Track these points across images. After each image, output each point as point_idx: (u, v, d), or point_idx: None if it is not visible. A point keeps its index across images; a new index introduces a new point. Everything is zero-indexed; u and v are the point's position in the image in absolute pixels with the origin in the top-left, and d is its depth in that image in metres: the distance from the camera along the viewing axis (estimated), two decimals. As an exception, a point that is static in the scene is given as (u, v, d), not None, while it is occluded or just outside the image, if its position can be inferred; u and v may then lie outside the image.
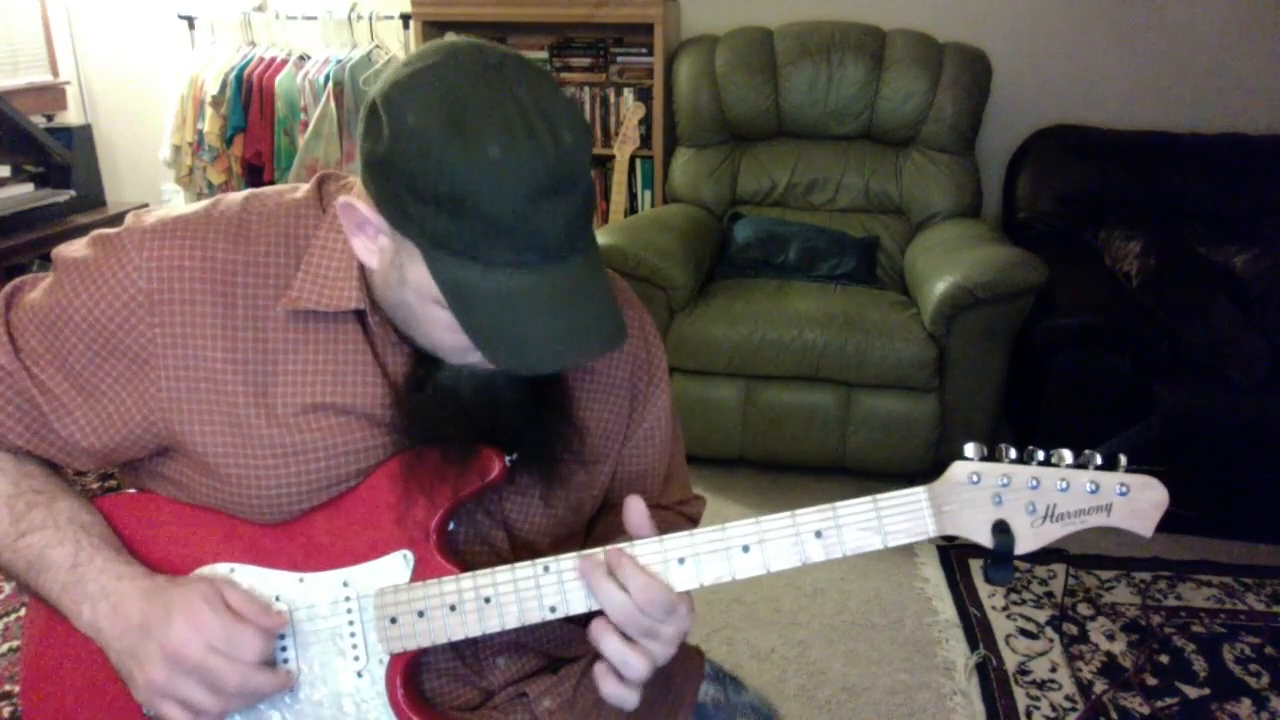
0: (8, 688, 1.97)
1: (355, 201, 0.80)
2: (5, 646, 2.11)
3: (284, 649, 0.88)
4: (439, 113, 0.72)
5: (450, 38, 0.79)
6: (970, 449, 0.81)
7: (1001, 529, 0.80)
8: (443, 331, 0.80)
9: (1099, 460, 0.79)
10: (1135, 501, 0.79)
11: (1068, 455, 0.80)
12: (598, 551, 0.83)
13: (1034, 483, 0.80)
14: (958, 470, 0.81)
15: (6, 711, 1.91)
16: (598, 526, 1.04)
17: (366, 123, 0.77)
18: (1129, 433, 0.84)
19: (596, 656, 1.01)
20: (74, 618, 0.84)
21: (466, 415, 0.85)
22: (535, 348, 0.75)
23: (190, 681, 0.80)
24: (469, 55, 0.75)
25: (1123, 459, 0.80)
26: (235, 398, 0.85)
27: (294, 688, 0.88)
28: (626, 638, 0.80)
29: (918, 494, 0.82)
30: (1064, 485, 0.79)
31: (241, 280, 0.86)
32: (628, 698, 0.81)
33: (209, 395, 0.85)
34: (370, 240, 0.81)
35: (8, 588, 2.27)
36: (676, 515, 1.08)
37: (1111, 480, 0.79)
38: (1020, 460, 0.80)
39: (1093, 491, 0.79)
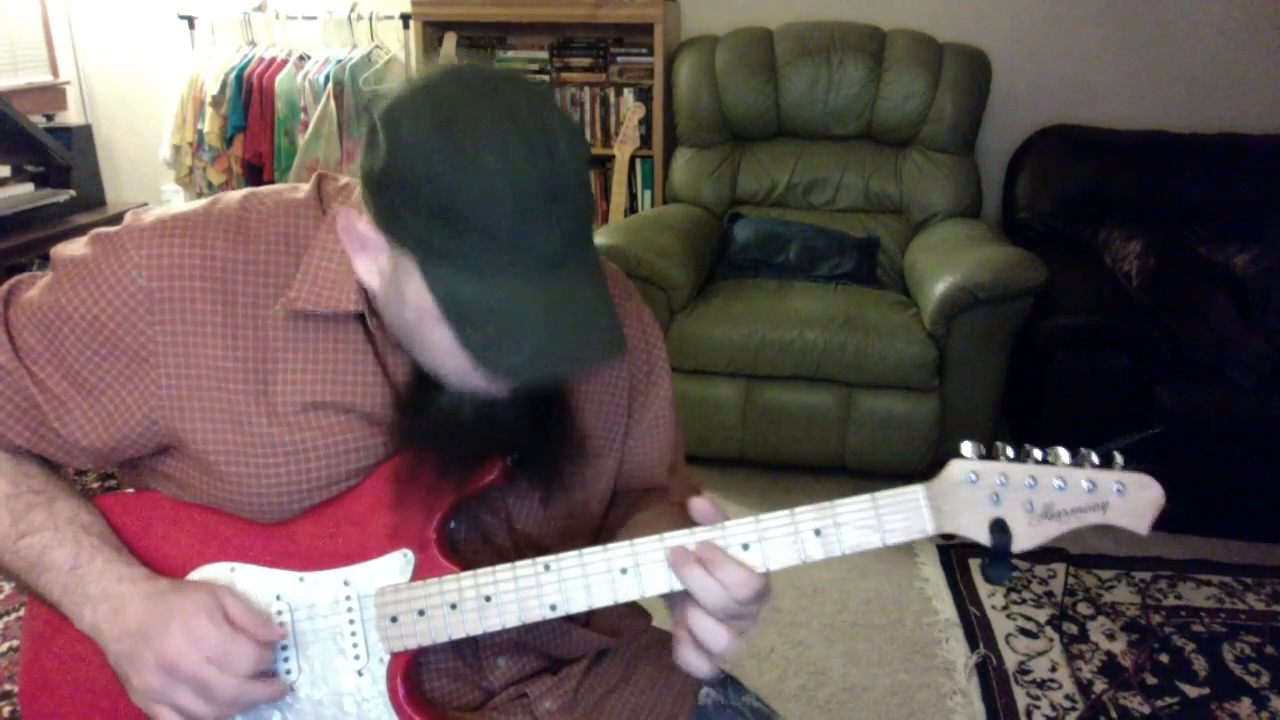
0: (8, 688, 1.98)
1: (355, 219, 0.79)
2: (5, 646, 2.12)
3: (284, 648, 0.88)
4: (434, 125, 0.72)
5: (451, 56, 0.79)
6: (968, 448, 0.81)
7: (999, 527, 0.80)
8: (443, 355, 0.79)
9: (1095, 459, 0.80)
10: (1132, 499, 0.79)
11: (1064, 454, 0.80)
12: (684, 542, 0.82)
13: (1031, 481, 0.80)
14: (955, 469, 0.81)
15: (6, 711, 1.91)
16: (608, 518, 1.04)
17: (367, 142, 0.77)
18: (1129, 440, 0.84)
19: (598, 657, 1.01)
20: (75, 619, 0.84)
21: (467, 441, 0.85)
22: (530, 357, 0.74)
23: (184, 690, 0.80)
24: (467, 71, 0.76)
25: (1119, 458, 0.80)
26: (235, 396, 0.85)
27: (294, 688, 0.88)
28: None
29: (915, 492, 0.82)
30: (1061, 484, 0.79)
31: (241, 279, 0.86)
32: (705, 667, 0.81)
33: (209, 393, 0.85)
34: (372, 261, 0.81)
35: (8, 587, 2.28)
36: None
37: (1108, 479, 0.79)
38: (1017, 459, 0.80)
39: (1089, 490, 0.79)
